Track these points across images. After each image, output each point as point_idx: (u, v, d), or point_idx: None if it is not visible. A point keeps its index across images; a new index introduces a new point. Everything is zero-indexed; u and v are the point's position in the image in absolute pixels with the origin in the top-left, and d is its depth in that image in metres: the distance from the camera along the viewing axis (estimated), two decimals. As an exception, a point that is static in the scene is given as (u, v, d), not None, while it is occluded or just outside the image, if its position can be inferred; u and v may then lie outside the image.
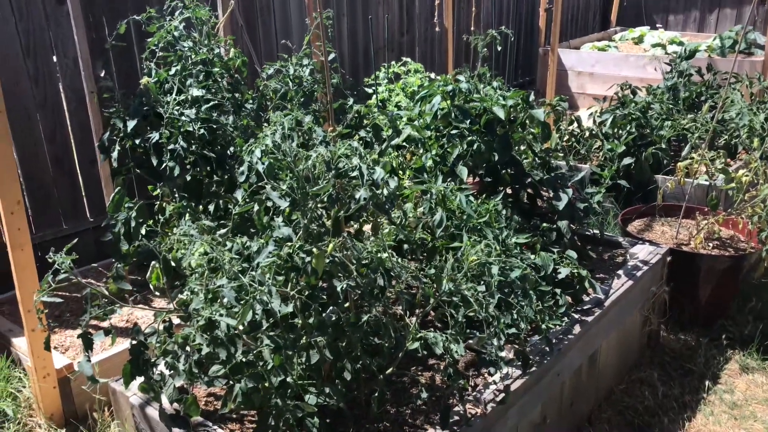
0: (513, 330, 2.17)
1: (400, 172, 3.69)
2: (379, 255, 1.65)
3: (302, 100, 2.68)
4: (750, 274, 3.59)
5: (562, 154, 4.21)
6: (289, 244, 1.55)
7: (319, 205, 1.66)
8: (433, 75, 5.49)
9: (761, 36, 8.11)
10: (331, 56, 2.72)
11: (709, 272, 3.33)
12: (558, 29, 5.71)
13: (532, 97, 3.11)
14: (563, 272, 2.66)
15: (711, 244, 3.50)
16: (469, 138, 3.02)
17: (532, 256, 2.72)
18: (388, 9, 6.44)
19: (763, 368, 3.19)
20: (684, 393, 3.01)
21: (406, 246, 2.63)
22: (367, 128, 2.65)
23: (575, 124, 4.72)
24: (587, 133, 4.68)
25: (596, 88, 7.66)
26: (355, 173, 1.59)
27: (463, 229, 2.52)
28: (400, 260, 1.95)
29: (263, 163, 1.61)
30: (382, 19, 6.40)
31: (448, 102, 3.10)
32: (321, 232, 1.62)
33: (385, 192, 1.69)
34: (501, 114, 2.86)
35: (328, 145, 1.70)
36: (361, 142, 2.69)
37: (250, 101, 2.65)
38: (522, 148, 3.33)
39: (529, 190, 3.28)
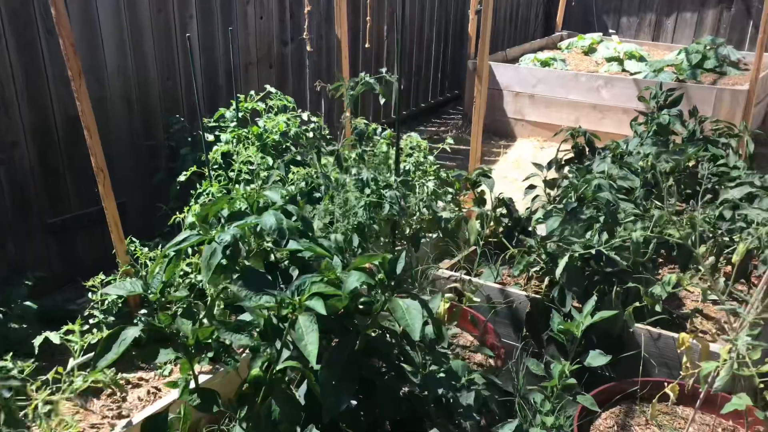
0: None
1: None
2: None
3: None
4: None
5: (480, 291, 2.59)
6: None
7: None
8: (305, 115, 3.77)
9: (734, 51, 6.68)
10: None
11: None
12: (487, 47, 4.07)
13: (400, 261, 1.44)
14: None
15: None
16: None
17: None
18: (262, 9, 4.68)
19: None
20: None
21: None
22: None
23: (503, 209, 3.10)
24: (524, 227, 3.06)
25: (538, 113, 6.09)
26: None
27: None
28: None
29: None
30: (253, 23, 4.63)
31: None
32: None
33: None
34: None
35: None
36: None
37: None
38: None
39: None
